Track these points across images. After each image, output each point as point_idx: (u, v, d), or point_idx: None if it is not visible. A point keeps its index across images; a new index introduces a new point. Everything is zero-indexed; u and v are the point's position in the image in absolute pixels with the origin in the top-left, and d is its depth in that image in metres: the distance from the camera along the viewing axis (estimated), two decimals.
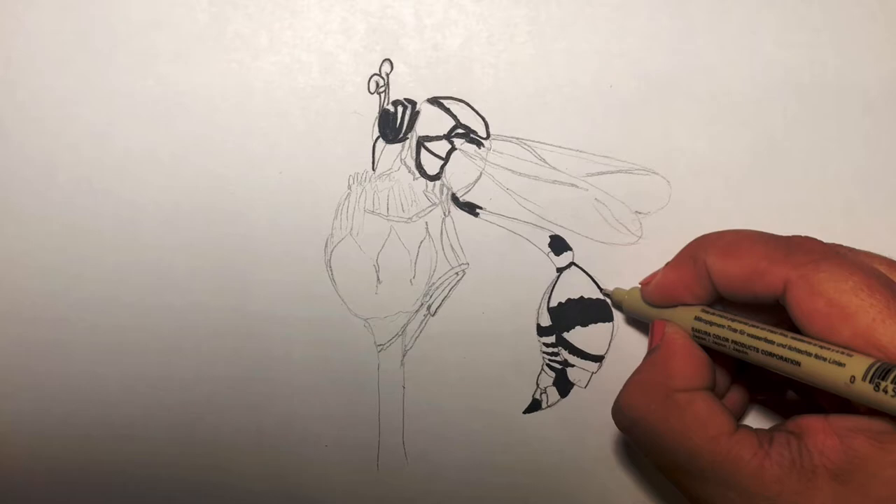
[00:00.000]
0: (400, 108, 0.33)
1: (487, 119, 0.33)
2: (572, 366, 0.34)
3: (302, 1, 0.33)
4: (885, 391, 0.21)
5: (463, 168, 0.33)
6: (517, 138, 0.33)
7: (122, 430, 0.35)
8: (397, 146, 0.33)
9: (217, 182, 0.34)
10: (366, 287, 0.34)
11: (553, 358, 0.34)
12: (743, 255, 0.26)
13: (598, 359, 0.34)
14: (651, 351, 0.29)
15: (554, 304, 0.34)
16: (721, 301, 0.28)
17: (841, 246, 0.27)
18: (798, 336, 0.24)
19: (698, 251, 0.27)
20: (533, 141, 0.33)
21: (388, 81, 0.33)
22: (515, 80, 0.33)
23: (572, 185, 0.33)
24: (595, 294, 0.34)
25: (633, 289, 0.32)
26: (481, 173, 0.33)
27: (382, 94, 0.33)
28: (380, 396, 0.34)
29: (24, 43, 0.33)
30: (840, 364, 0.22)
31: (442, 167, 0.34)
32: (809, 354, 0.23)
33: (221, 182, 0.34)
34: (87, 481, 0.36)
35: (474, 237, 0.34)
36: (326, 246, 0.34)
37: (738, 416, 0.29)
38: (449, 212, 0.34)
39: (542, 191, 0.33)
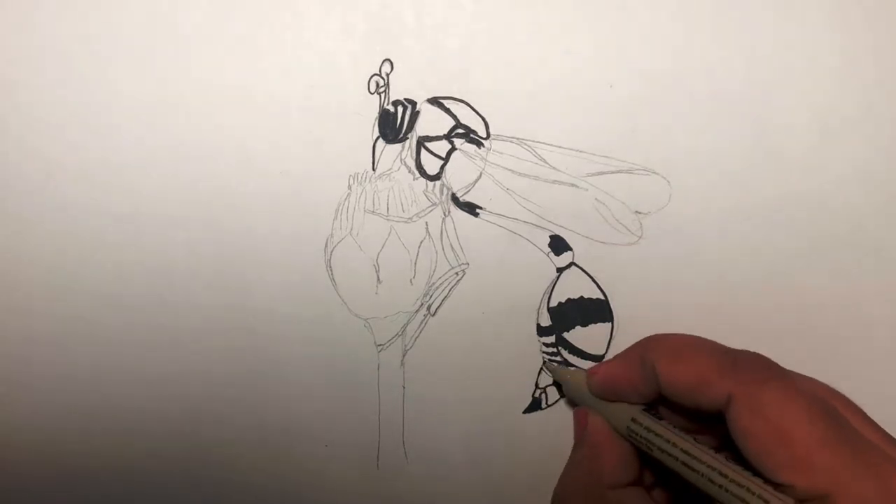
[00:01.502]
0: (400, 108, 0.33)
1: (487, 119, 0.33)
2: (572, 366, 0.34)
3: (302, 1, 0.33)
4: None
5: (463, 168, 0.33)
6: (517, 138, 0.33)
7: (123, 431, 0.35)
8: (397, 146, 0.33)
9: (217, 182, 0.34)
10: (366, 287, 0.34)
11: (553, 358, 0.34)
12: (691, 362, 0.26)
13: (598, 359, 0.34)
14: (577, 444, 0.30)
15: (554, 304, 0.34)
16: (663, 401, 0.28)
17: (789, 370, 0.27)
18: (729, 465, 0.25)
19: (647, 352, 0.28)
20: (533, 141, 0.33)
21: (388, 81, 0.33)
22: (515, 80, 0.33)
23: (572, 185, 0.33)
24: (595, 294, 0.34)
25: (578, 370, 0.32)
26: (481, 173, 0.33)
27: (382, 94, 0.33)
28: (380, 396, 0.34)
29: (24, 43, 0.34)
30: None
31: (442, 167, 0.34)
32: (741, 486, 0.24)
33: (221, 182, 0.34)
34: (86, 481, 0.36)
35: (474, 237, 0.34)
36: (326, 246, 0.34)
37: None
38: (449, 212, 0.34)
39: (542, 191, 0.33)
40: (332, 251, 0.34)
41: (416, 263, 0.34)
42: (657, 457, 0.27)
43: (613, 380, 0.29)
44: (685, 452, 0.26)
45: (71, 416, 0.35)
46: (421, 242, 0.34)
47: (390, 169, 0.34)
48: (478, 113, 0.33)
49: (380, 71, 0.33)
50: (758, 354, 0.26)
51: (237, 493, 0.35)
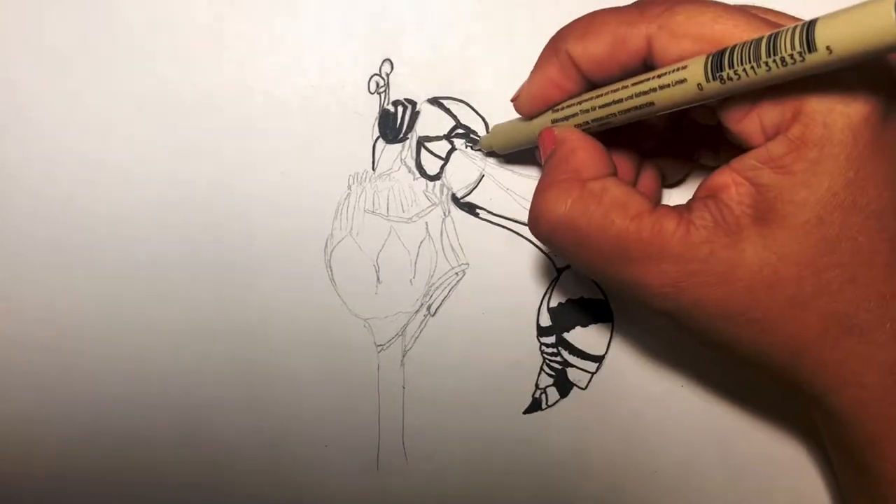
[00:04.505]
0: (400, 108, 0.33)
1: (487, 119, 0.33)
2: (572, 366, 0.34)
3: (302, 1, 0.33)
4: (730, 78, 0.20)
5: (463, 168, 0.33)
6: None
7: (121, 432, 0.35)
8: (397, 146, 0.33)
9: (217, 182, 0.34)
10: (366, 287, 0.34)
11: (553, 358, 0.34)
12: (600, 30, 0.25)
13: (598, 359, 0.34)
14: (549, 157, 0.28)
15: (554, 304, 0.34)
16: (595, 89, 0.27)
17: None
18: (637, 78, 0.24)
19: (558, 43, 0.27)
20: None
21: (388, 81, 0.33)
22: (515, 80, 0.33)
23: None
24: (595, 294, 0.34)
25: (495, 126, 0.31)
26: (481, 173, 0.33)
27: (382, 94, 0.33)
28: (380, 396, 0.34)
29: (24, 43, 0.33)
30: (682, 80, 0.22)
31: (442, 167, 0.34)
32: (654, 90, 0.23)
33: (221, 182, 0.34)
34: (87, 483, 0.36)
35: (474, 237, 0.34)
36: (326, 246, 0.34)
37: (654, 203, 0.29)
38: (449, 212, 0.34)
39: None
40: (331, 251, 0.34)
41: (416, 263, 0.34)
42: (596, 129, 0.26)
43: (536, 89, 0.28)
44: (605, 105, 0.25)
45: (69, 415, 0.35)
46: (421, 242, 0.34)
47: (390, 169, 0.34)
48: (478, 113, 0.33)
49: (380, 71, 0.33)
50: None
51: (237, 494, 0.35)
